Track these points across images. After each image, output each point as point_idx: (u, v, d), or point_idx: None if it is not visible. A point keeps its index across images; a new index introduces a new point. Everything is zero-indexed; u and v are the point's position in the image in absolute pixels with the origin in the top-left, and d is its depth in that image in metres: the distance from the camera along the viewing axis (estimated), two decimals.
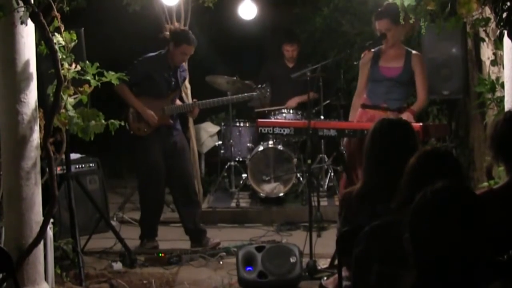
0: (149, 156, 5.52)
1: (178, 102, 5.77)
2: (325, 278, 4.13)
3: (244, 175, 6.86)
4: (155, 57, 5.57)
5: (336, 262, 3.92)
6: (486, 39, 5.34)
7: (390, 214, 2.49)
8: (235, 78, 6.76)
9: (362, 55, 5.18)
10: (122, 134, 4.72)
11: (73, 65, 4.15)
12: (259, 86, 6.23)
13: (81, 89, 4.26)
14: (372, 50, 5.10)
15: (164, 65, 5.56)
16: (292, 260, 4.60)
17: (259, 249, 4.69)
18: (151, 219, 5.69)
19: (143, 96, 5.52)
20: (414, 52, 5.05)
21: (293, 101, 7.01)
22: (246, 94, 6.15)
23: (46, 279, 4.15)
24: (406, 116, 4.75)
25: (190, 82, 6.57)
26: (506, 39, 3.69)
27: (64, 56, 4.08)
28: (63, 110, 4.16)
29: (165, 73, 5.58)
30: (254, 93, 6.14)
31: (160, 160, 5.54)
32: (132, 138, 5.53)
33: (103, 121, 4.32)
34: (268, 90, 6.21)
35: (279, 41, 7.35)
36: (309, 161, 5.10)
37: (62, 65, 4.00)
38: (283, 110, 6.75)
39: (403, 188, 2.47)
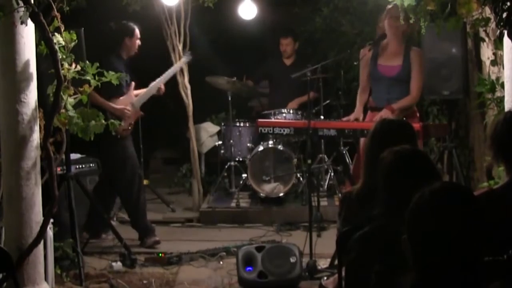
0: (130, 154, 5.70)
1: (135, 92, 5.87)
2: (325, 278, 4.13)
3: (244, 175, 6.86)
4: (115, 58, 5.64)
5: (336, 262, 3.92)
6: (486, 39, 5.34)
7: (377, 219, 2.52)
8: (234, 78, 6.77)
9: (361, 55, 5.18)
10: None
11: (73, 65, 4.15)
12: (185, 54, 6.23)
13: (81, 89, 4.26)
14: (371, 48, 5.10)
15: (121, 64, 5.67)
16: (292, 260, 4.60)
17: (259, 249, 4.69)
18: (143, 218, 5.72)
19: (111, 99, 5.61)
20: (413, 48, 5.05)
21: (294, 103, 6.98)
22: (171, 69, 6.12)
23: (46, 279, 4.15)
24: (383, 112, 4.76)
25: (190, 82, 6.58)
26: (506, 39, 3.68)
27: (64, 56, 4.07)
28: (63, 110, 4.15)
29: (123, 70, 5.61)
30: (178, 64, 6.21)
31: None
32: (110, 142, 5.52)
33: (103, 121, 4.32)
34: (190, 54, 6.24)
35: (277, 38, 7.35)
36: (309, 161, 5.10)
37: (62, 65, 4.00)
38: (283, 110, 6.75)
39: (380, 193, 2.50)
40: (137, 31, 5.73)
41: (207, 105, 7.55)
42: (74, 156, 5.64)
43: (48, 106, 4.10)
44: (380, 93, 5.03)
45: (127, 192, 5.72)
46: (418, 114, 5.12)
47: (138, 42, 5.77)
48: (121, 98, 5.67)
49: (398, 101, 4.93)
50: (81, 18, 4.86)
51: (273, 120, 6.27)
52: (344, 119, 5.30)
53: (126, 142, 5.70)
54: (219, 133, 7.44)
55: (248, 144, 7.01)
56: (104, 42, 5.67)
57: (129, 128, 5.69)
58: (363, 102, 5.21)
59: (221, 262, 5.20)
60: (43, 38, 3.86)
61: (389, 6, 4.93)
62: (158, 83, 5.94)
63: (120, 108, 5.62)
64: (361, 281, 2.35)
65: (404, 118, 4.68)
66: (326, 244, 5.12)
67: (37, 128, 3.97)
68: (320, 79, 6.49)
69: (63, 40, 4.05)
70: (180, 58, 6.51)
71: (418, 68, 4.96)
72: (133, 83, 5.78)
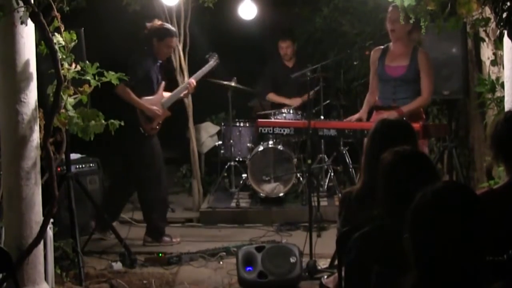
0: (158, 153, 5.75)
1: (165, 93, 5.88)
2: (325, 277, 4.13)
3: (244, 175, 6.86)
4: (146, 54, 5.65)
5: (336, 262, 3.92)
6: (486, 39, 5.34)
7: (377, 219, 2.52)
8: (234, 78, 6.78)
9: (371, 57, 5.16)
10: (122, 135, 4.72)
11: (73, 65, 4.15)
12: (208, 55, 6.16)
13: (81, 89, 4.26)
14: (381, 47, 5.09)
15: (153, 62, 5.69)
16: (292, 260, 4.60)
17: (259, 249, 4.69)
18: (165, 216, 5.82)
19: (143, 96, 5.62)
20: (421, 49, 5.03)
21: (296, 101, 6.98)
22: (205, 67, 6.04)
23: (46, 279, 4.15)
24: (387, 114, 4.73)
25: None
26: (506, 39, 3.69)
27: (64, 56, 4.07)
28: (63, 110, 4.15)
29: (155, 69, 5.71)
30: (212, 62, 6.11)
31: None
32: (138, 141, 5.62)
33: (103, 121, 4.31)
34: (215, 57, 6.13)
35: (276, 40, 7.35)
36: (309, 161, 5.10)
37: (62, 65, 4.00)
38: (283, 110, 6.75)
39: (380, 193, 2.51)
40: (168, 39, 5.64)
41: (207, 105, 7.54)
42: (74, 156, 5.65)
43: (48, 106, 4.10)
44: (386, 93, 5.02)
45: (149, 191, 5.71)
46: (424, 116, 5.11)
47: (167, 50, 5.72)
48: (151, 97, 5.69)
49: (404, 101, 4.90)
50: (81, 18, 4.86)
51: (273, 120, 6.27)
52: (347, 119, 5.29)
53: (154, 140, 5.75)
54: (219, 133, 7.44)
55: (248, 144, 7.02)
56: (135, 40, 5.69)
57: (157, 127, 5.74)
58: (369, 103, 5.18)
59: (221, 262, 5.20)
60: (43, 38, 3.87)
61: (390, 8, 4.92)
62: (186, 84, 5.94)
63: (152, 108, 5.63)
64: (361, 281, 2.36)
65: (404, 118, 4.67)
66: (326, 244, 5.12)
67: (37, 128, 3.97)
68: (320, 79, 6.49)
69: (63, 40, 4.05)
70: (180, 58, 6.52)
71: (427, 70, 4.92)
72: (163, 83, 5.80)
